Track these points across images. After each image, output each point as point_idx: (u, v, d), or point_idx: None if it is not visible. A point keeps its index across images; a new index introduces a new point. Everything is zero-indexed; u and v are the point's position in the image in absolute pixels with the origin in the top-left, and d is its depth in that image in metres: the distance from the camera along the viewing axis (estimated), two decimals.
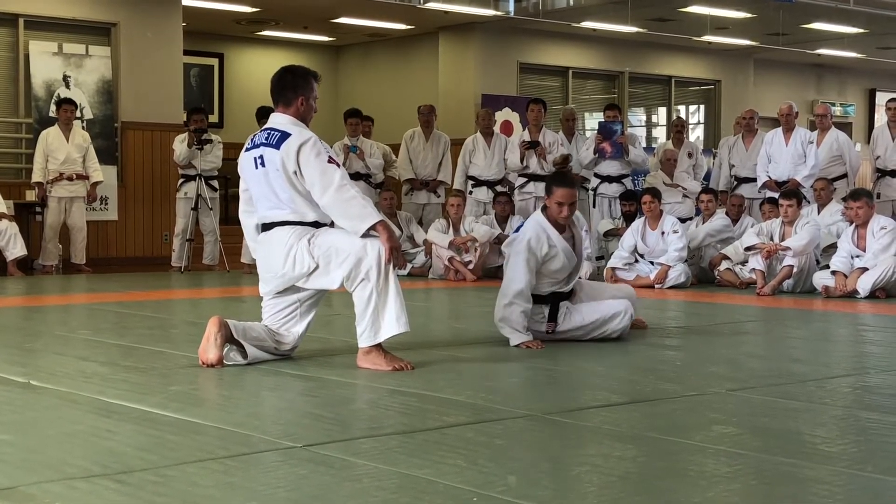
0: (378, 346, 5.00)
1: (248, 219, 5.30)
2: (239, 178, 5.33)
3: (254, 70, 17.87)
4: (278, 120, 5.17)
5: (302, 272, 5.04)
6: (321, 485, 2.91)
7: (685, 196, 11.83)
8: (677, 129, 12.73)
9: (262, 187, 5.10)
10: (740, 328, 7.22)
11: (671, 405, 4.20)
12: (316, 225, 5.08)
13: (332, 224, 5.12)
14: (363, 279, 4.93)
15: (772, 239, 9.80)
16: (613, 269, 10.18)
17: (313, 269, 5.01)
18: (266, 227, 5.17)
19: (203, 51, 16.94)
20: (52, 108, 12.20)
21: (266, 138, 5.08)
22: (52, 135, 11.62)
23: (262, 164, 5.06)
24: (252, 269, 11.61)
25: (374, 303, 4.93)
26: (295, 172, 4.98)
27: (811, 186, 10.70)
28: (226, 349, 5.01)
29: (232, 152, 13.02)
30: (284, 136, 5.03)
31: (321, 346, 5.87)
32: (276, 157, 5.01)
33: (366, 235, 4.95)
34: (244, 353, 5.04)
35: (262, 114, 11.77)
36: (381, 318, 4.95)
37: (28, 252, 11.26)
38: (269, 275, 5.19)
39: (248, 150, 5.18)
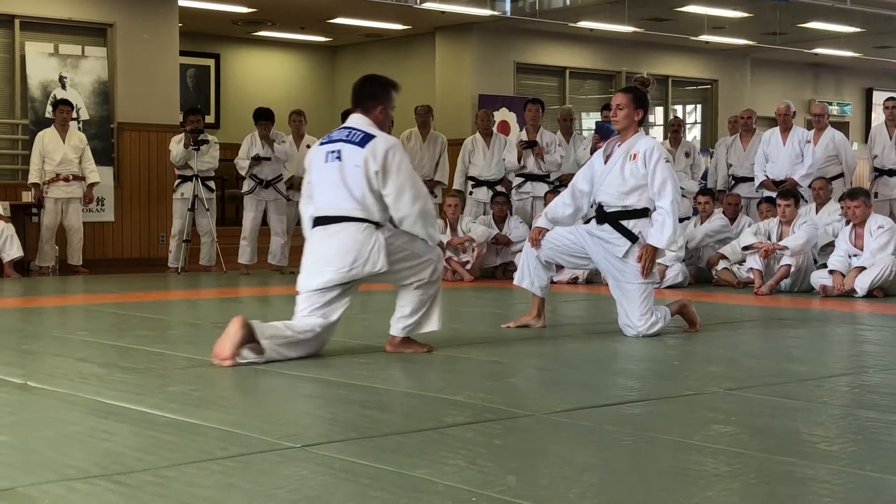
0: (410, 338, 5.50)
1: (308, 209, 5.50)
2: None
3: (250, 71, 17.88)
4: (358, 121, 5.36)
5: (373, 270, 5.23)
6: (320, 485, 2.90)
7: (683, 196, 11.81)
8: (674, 129, 12.72)
9: (332, 179, 5.27)
10: (738, 328, 7.22)
11: (670, 404, 4.20)
12: (377, 225, 5.28)
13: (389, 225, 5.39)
14: (430, 281, 5.39)
15: (769, 238, 9.80)
16: None
17: (384, 271, 5.25)
18: (327, 220, 5.30)
19: (199, 51, 16.93)
20: (49, 109, 12.19)
21: (347, 136, 5.30)
22: (48, 136, 11.60)
23: (339, 157, 5.27)
24: (248, 269, 11.68)
25: (430, 302, 5.42)
26: (376, 172, 5.19)
27: (809, 186, 10.70)
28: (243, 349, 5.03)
29: (228, 153, 13.05)
30: (369, 136, 5.25)
31: None
32: (358, 155, 5.20)
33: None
34: (260, 352, 5.06)
35: (260, 115, 11.77)
36: (431, 315, 5.45)
37: (24, 253, 11.24)
38: (325, 268, 5.28)
39: (322, 144, 5.40)
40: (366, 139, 5.23)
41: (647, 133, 6.71)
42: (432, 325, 5.48)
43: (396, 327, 5.47)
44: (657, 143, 6.40)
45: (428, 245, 5.39)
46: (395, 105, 5.47)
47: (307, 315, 5.28)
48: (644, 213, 6.22)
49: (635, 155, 6.17)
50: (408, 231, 5.33)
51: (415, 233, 5.33)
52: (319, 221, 5.35)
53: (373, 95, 5.40)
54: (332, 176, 5.27)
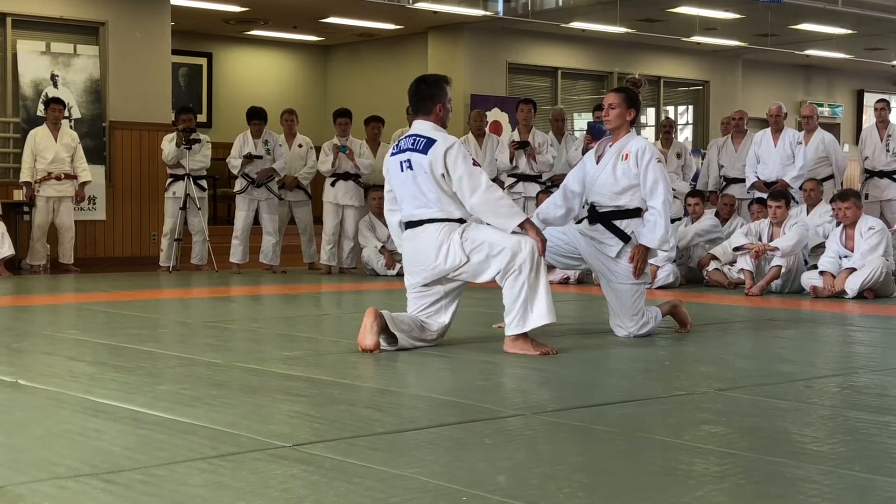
0: (525, 334, 5.49)
1: (393, 217, 5.83)
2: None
3: (242, 70, 17.86)
4: (421, 127, 5.65)
5: (454, 265, 5.51)
6: (311, 484, 2.90)
7: (675, 197, 11.84)
8: (666, 130, 12.75)
9: (409, 188, 5.58)
10: (729, 328, 7.23)
11: (660, 405, 4.21)
12: (461, 221, 5.54)
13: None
14: (515, 272, 5.42)
15: (760, 239, 9.81)
16: None
17: (464, 263, 5.49)
18: (413, 224, 5.62)
19: (192, 50, 16.91)
20: (41, 107, 12.17)
21: (412, 144, 5.58)
22: (40, 134, 11.58)
23: (410, 167, 5.56)
24: (240, 268, 11.67)
25: (524, 294, 5.43)
26: (442, 175, 5.47)
27: (800, 187, 10.72)
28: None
29: (220, 152, 13.05)
30: (430, 141, 5.53)
31: (310, 346, 5.87)
32: (423, 161, 5.50)
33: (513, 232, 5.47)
34: (393, 341, 5.45)
35: (253, 114, 11.76)
36: (531, 308, 5.45)
37: (16, 252, 11.23)
38: (417, 268, 5.63)
39: (393, 154, 5.68)
40: (428, 145, 5.52)
41: (638, 133, 6.69)
42: (538, 318, 5.44)
43: (507, 326, 5.56)
44: (649, 143, 6.39)
45: (508, 235, 5.46)
46: (450, 97, 5.73)
47: (420, 314, 5.63)
48: (636, 213, 6.21)
49: (627, 155, 6.17)
50: (484, 221, 5.59)
51: (487, 221, 5.55)
52: (409, 225, 5.68)
53: (429, 96, 5.67)
54: (409, 184, 5.59)
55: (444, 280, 5.63)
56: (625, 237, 6.18)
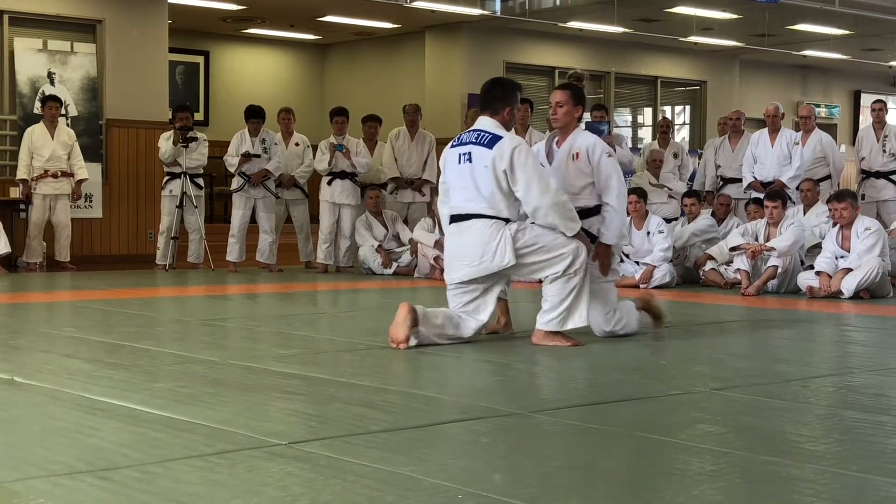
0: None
1: (445, 208, 5.89)
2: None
3: (240, 68, 17.85)
4: (486, 123, 5.73)
5: (500, 264, 5.56)
6: (306, 482, 2.90)
7: (671, 196, 11.85)
8: (663, 130, 12.75)
9: (463, 180, 5.65)
10: (725, 328, 7.24)
11: (656, 404, 4.21)
12: (507, 221, 5.54)
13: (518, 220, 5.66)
14: (570, 275, 5.60)
15: (757, 239, 9.82)
16: None
17: (511, 265, 5.56)
18: (460, 217, 5.65)
19: (189, 48, 16.89)
20: (37, 105, 12.15)
21: (476, 138, 5.67)
22: (37, 132, 11.57)
23: (469, 159, 5.63)
24: (236, 267, 11.66)
25: (573, 295, 5.62)
26: (504, 171, 5.50)
27: (797, 187, 10.73)
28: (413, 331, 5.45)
29: (217, 150, 13.04)
30: (496, 137, 5.61)
31: (306, 345, 5.87)
32: (486, 155, 5.56)
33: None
34: (419, 336, 5.47)
35: (251, 113, 11.75)
36: (575, 310, 5.64)
37: (12, 249, 11.21)
38: (459, 262, 5.66)
39: (453, 146, 5.78)
40: (493, 140, 5.58)
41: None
42: (577, 321, 5.66)
43: (541, 321, 5.70)
44: (597, 138, 6.26)
45: (565, 239, 5.60)
46: (520, 108, 5.81)
47: (459, 311, 5.67)
48: (598, 210, 6.08)
49: (577, 154, 6.04)
50: (543, 224, 5.59)
51: (550, 224, 5.57)
52: (454, 219, 5.71)
53: (501, 97, 5.75)
54: (464, 177, 5.63)
55: (481, 278, 5.65)
56: (591, 237, 6.08)
